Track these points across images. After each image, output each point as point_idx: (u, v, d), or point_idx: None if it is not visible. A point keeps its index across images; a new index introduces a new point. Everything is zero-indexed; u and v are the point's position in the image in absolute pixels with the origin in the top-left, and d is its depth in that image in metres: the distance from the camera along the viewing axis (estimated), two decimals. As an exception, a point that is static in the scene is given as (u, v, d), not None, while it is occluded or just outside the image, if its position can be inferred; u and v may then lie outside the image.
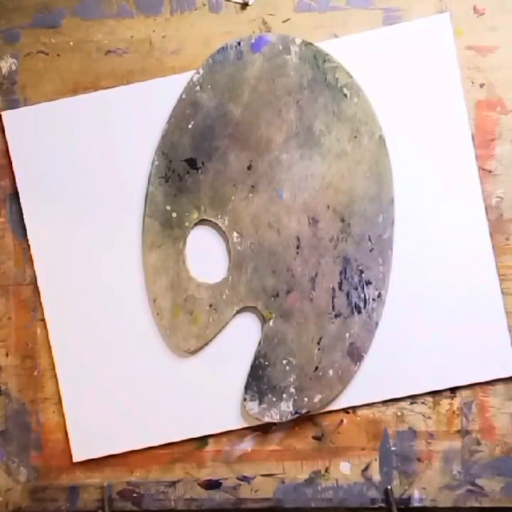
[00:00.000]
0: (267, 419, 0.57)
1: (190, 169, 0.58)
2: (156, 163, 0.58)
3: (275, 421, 0.57)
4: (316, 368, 0.57)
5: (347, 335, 0.57)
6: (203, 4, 0.59)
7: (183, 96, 0.58)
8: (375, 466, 0.58)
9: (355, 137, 0.57)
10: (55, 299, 0.59)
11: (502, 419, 0.58)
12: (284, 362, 0.57)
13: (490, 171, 0.58)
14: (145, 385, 0.58)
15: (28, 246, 0.59)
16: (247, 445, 0.58)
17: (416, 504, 0.58)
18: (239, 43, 0.58)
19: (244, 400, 0.57)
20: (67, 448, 0.59)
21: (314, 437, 0.58)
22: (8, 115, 0.59)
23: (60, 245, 0.59)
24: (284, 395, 0.57)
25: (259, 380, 0.57)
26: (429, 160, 0.58)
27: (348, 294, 0.57)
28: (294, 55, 0.57)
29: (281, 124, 0.58)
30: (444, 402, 0.58)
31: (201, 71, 0.58)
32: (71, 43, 0.59)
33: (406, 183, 0.58)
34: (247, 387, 0.57)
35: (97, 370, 0.58)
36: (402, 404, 0.58)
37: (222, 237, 0.59)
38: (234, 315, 0.58)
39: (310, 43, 0.57)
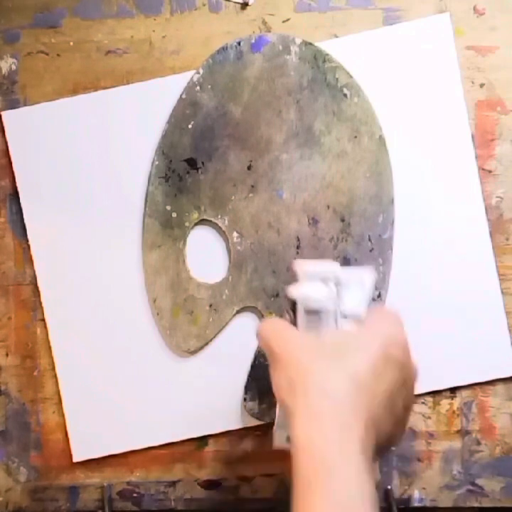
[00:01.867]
0: (267, 419, 0.57)
1: (190, 169, 0.58)
2: (156, 163, 0.58)
3: (275, 421, 0.57)
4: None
5: (347, 335, 0.57)
6: (203, 4, 0.59)
7: (183, 96, 0.58)
8: (375, 466, 0.58)
9: (355, 137, 0.57)
10: (55, 299, 0.59)
11: (502, 419, 0.58)
12: (284, 362, 0.57)
13: (490, 171, 0.58)
14: (145, 385, 0.58)
15: (28, 246, 0.59)
16: (247, 445, 0.58)
17: (416, 504, 0.58)
18: (239, 43, 0.58)
19: (244, 399, 0.57)
20: (67, 448, 0.58)
21: (314, 437, 0.58)
22: (8, 115, 0.59)
23: (60, 245, 0.59)
24: (284, 395, 0.57)
25: (259, 380, 0.57)
26: (429, 160, 0.58)
27: (348, 294, 0.57)
28: (294, 55, 0.57)
29: (281, 124, 0.58)
30: (444, 402, 0.58)
31: (201, 71, 0.58)
32: (71, 43, 0.59)
33: (406, 183, 0.58)
34: (247, 387, 0.57)
35: (97, 370, 0.58)
36: (402, 404, 0.58)
37: (222, 237, 0.59)
38: (234, 315, 0.58)
39: (310, 43, 0.57)
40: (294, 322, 0.48)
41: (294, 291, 0.48)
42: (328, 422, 0.39)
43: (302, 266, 0.49)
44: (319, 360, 0.42)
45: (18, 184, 0.59)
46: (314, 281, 0.48)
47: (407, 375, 0.42)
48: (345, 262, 0.57)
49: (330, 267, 0.48)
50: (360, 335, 0.44)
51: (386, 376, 0.41)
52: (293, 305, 0.48)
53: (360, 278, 0.49)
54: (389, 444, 0.44)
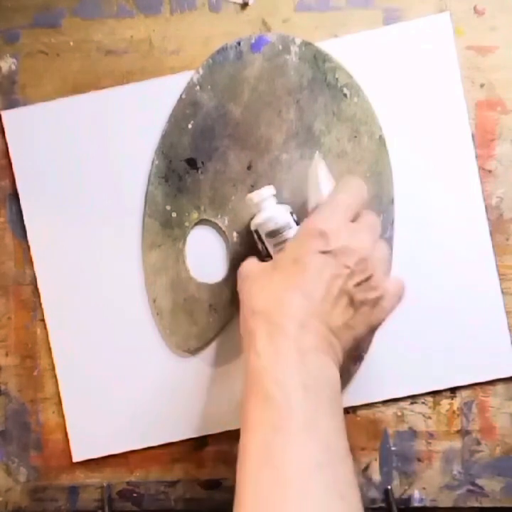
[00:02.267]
0: (267, 419, 0.57)
1: (190, 169, 0.58)
2: (156, 163, 0.58)
3: (275, 421, 0.57)
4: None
5: (347, 335, 0.57)
6: (203, 4, 0.59)
7: (183, 96, 0.58)
8: (375, 466, 0.58)
9: (355, 137, 0.57)
10: (55, 299, 0.59)
11: (502, 419, 0.58)
12: (284, 362, 0.57)
13: (490, 171, 0.58)
14: (145, 385, 0.58)
15: (28, 246, 0.59)
16: (247, 445, 0.58)
17: (416, 504, 0.58)
18: (239, 43, 0.58)
19: (244, 399, 0.57)
20: (67, 448, 0.58)
21: (314, 437, 0.58)
22: (8, 115, 0.59)
23: (60, 245, 0.59)
24: (284, 395, 0.57)
25: (259, 380, 0.57)
26: (429, 160, 0.58)
27: (348, 294, 0.57)
28: (294, 55, 0.57)
29: (281, 124, 0.58)
30: (444, 402, 0.58)
31: (201, 71, 0.58)
32: (71, 43, 0.59)
33: (406, 183, 0.58)
34: (247, 387, 0.57)
35: (97, 370, 0.58)
36: (402, 404, 0.58)
37: (222, 237, 0.59)
38: (234, 315, 0.58)
39: (310, 43, 0.57)
40: (267, 253, 0.51)
41: (252, 223, 0.51)
42: (256, 335, 0.41)
43: (253, 198, 0.52)
44: (256, 283, 0.44)
45: (18, 184, 0.59)
46: (269, 204, 0.52)
47: (343, 258, 0.42)
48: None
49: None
50: (291, 240, 0.45)
51: (317, 273, 0.42)
52: (260, 237, 0.51)
53: (313, 171, 0.51)
54: (365, 326, 0.45)
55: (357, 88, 0.57)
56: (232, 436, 0.58)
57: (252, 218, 0.53)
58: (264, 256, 0.52)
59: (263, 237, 0.50)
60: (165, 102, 0.58)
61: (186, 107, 0.58)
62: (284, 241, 0.49)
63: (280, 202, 0.53)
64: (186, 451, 0.59)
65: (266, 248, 0.51)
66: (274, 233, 0.49)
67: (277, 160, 0.58)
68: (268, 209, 0.51)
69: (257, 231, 0.51)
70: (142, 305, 0.59)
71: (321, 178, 0.50)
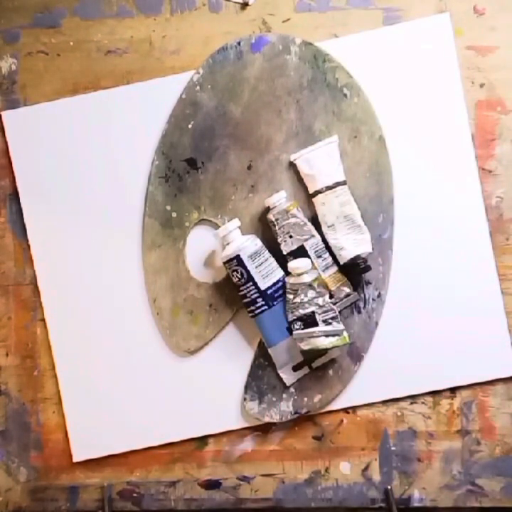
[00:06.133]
0: (267, 419, 0.57)
1: (190, 169, 0.58)
2: (156, 163, 0.58)
3: (275, 421, 0.57)
4: (316, 367, 0.57)
5: (347, 335, 0.57)
6: (203, 4, 0.59)
7: (183, 96, 0.58)
8: (375, 466, 0.58)
9: (355, 137, 0.57)
10: (55, 299, 0.59)
11: (502, 419, 0.58)
12: (284, 362, 0.57)
13: (490, 171, 0.58)
14: (145, 385, 0.58)
15: (28, 246, 0.59)
16: (247, 445, 0.58)
17: (416, 504, 0.58)
18: (239, 43, 0.58)
19: (244, 399, 0.57)
20: (67, 448, 0.59)
21: (314, 437, 0.58)
22: (8, 115, 0.59)
23: (60, 245, 0.59)
24: (284, 395, 0.57)
25: (259, 380, 0.57)
26: (429, 160, 0.58)
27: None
28: (293, 55, 0.57)
29: (281, 124, 0.58)
30: (444, 402, 0.58)
31: (201, 71, 0.58)
32: (71, 43, 0.59)
33: (406, 183, 0.58)
34: (247, 387, 0.57)
35: (96, 370, 0.58)
36: (402, 404, 0.58)
37: (222, 237, 0.58)
38: (234, 315, 0.58)
39: (310, 43, 0.57)
40: (247, 278, 0.53)
41: (226, 253, 0.54)
42: None
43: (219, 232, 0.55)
44: None
45: (18, 184, 0.59)
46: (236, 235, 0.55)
47: None
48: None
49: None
50: None
51: None
52: (238, 263, 0.53)
53: (326, 151, 0.55)
54: None
55: (357, 88, 0.57)
56: (232, 436, 0.58)
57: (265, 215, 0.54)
58: (245, 279, 0.53)
59: (244, 261, 0.52)
60: (165, 102, 0.58)
61: (186, 106, 0.58)
62: (264, 260, 0.53)
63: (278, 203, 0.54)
64: (186, 451, 0.59)
65: (246, 272, 0.52)
66: (253, 255, 0.52)
67: (277, 160, 0.58)
68: (236, 236, 0.54)
69: (232, 258, 0.53)
70: (142, 305, 0.59)
71: (337, 154, 0.54)
